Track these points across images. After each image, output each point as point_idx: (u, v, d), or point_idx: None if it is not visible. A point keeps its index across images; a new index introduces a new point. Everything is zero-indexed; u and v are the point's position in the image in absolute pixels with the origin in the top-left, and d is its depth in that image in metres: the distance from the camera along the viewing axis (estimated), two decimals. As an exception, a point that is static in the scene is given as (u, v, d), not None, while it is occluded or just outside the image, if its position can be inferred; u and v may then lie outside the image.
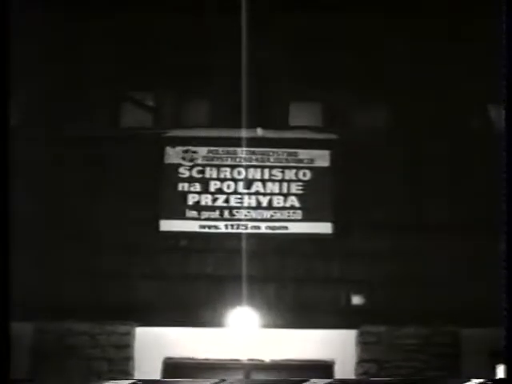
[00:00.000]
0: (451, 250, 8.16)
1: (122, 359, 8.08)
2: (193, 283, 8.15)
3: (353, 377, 8.16)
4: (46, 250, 8.06)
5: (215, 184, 8.65)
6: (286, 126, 9.19)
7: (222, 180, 8.68)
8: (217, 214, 8.52)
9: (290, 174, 8.71)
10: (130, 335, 8.18)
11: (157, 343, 8.23)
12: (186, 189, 8.60)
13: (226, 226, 8.48)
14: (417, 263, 8.23)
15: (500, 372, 8.26)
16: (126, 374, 8.01)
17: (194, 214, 8.51)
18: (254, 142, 8.72)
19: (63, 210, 8.38)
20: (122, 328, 8.19)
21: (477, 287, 7.79)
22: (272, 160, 8.76)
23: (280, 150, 8.78)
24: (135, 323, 8.21)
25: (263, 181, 8.67)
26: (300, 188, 8.64)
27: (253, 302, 7.60)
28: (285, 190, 8.64)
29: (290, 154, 8.78)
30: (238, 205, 8.53)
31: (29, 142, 7.93)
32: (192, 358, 8.26)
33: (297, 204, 8.58)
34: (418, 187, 8.60)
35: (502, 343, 7.93)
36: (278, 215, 8.53)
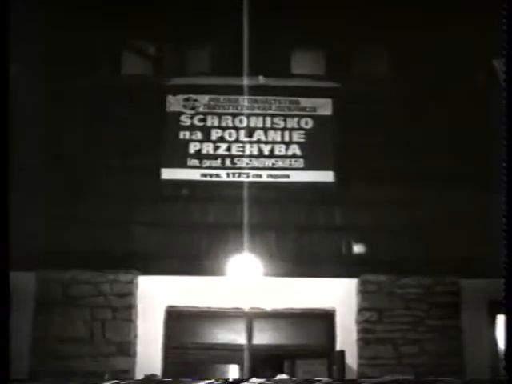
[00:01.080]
0: (452, 201, 8.12)
1: (124, 307, 8.05)
2: (194, 232, 8.12)
3: (353, 325, 8.29)
4: (47, 200, 8.02)
5: (217, 132, 8.53)
6: (288, 74, 8.98)
7: (224, 128, 8.56)
8: (218, 162, 8.40)
9: (292, 123, 8.58)
10: (132, 284, 8.15)
11: (159, 292, 8.24)
12: (187, 137, 8.48)
13: (228, 175, 8.35)
14: (418, 213, 8.20)
15: (500, 322, 8.33)
16: (129, 321, 8.09)
17: (195, 162, 8.39)
18: (255, 90, 8.55)
19: (64, 158, 8.31)
20: (125, 277, 8.15)
21: (477, 238, 7.77)
22: (274, 108, 8.63)
23: (282, 98, 8.64)
24: (138, 272, 8.19)
25: (265, 129, 8.55)
26: (302, 136, 8.51)
27: (254, 250, 7.57)
28: (287, 139, 8.52)
29: (292, 102, 8.64)
30: (240, 153, 8.41)
31: (29, 90, 7.83)
32: (194, 307, 8.24)
33: (299, 152, 8.46)
34: (419, 136, 8.52)
35: (502, 294, 8.02)
36: (279, 164, 8.42)
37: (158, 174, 8.33)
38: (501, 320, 8.39)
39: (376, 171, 8.31)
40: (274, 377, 14.66)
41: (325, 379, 5.65)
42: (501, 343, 8.34)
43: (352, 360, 8.01)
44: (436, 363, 8.02)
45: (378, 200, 8.18)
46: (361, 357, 8.04)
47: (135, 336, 8.12)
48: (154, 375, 7.12)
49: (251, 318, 8.35)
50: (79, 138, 8.39)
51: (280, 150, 8.47)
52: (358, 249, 7.71)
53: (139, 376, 7.76)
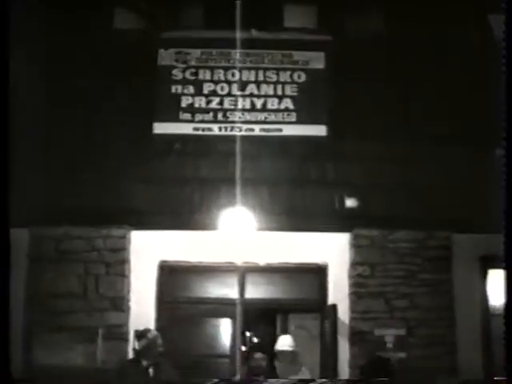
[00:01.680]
0: (447, 158, 8.07)
1: (118, 262, 8.02)
2: (187, 186, 8.05)
3: (346, 279, 8.30)
4: (40, 155, 7.96)
5: (209, 86, 8.40)
6: (280, 28, 8.80)
7: (216, 82, 8.41)
8: (210, 116, 8.28)
9: (284, 76, 8.44)
10: (125, 239, 8.10)
11: (152, 246, 8.19)
12: (179, 91, 8.35)
13: (220, 129, 8.25)
14: (412, 168, 8.16)
15: (491, 277, 8.36)
16: (122, 276, 8.08)
17: (187, 116, 8.28)
18: (248, 44, 8.37)
19: (56, 113, 8.22)
20: (118, 231, 8.10)
21: (470, 194, 7.75)
22: (266, 62, 8.47)
23: (274, 52, 8.49)
24: (130, 227, 8.15)
25: (257, 83, 8.41)
26: (294, 90, 8.38)
27: (247, 204, 7.52)
28: (279, 92, 8.39)
29: (284, 56, 8.49)
30: (232, 107, 8.29)
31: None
32: (187, 261, 8.22)
33: (291, 106, 8.34)
34: (414, 92, 8.43)
35: (495, 249, 8.02)
36: (272, 117, 8.31)
37: (150, 129, 8.28)
38: (492, 274, 8.44)
39: (369, 126, 8.23)
40: (267, 332, 14.78)
41: (319, 380, 5.83)
42: (492, 297, 8.40)
43: (344, 314, 8.00)
44: (428, 317, 8.06)
45: (371, 155, 8.10)
46: (353, 311, 8.02)
47: (128, 291, 8.10)
48: (147, 330, 7.13)
49: (244, 273, 8.32)
50: (71, 92, 8.28)
51: (272, 103, 8.35)
52: (350, 203, 7.66)
53: (132, 330, 7.79)
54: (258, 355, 6.09)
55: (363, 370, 4.80)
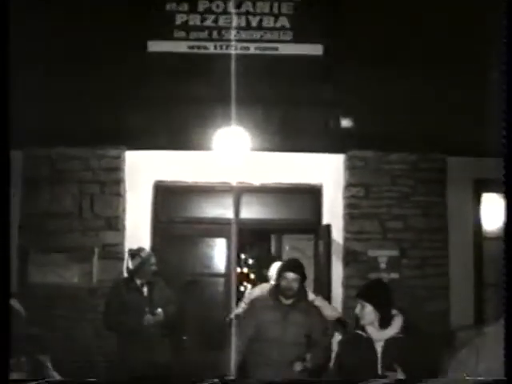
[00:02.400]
0: (444, 80, 7.95)
1: (113, 182, 8.00)
2: (181, 106, 7.97)
3: (340, 200, 8.32)
4: (36, 78, 7.82)
5: (204, 3, 8.15)
6: None
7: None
8: (206, 34, 8.06)
9: (281, -6, 8.25)
10: (120, 159, 8.06)
11: (147, 166, 8.17)
12: (174, 8, 8.13)
13: (215, 47, 8.07)
14: (408, 90, 8.05)
15: (485, 200, 8.39)
16: (118, 195, 8.12)
17: (182, 34, 8.07)
18: (243, -40, 8.18)
19: (51, 40, 8.03)
20: (113, 152, 8.05)
21: (466, 117, 7.67)
22: (263, -22, 8.25)
23: (271, -32, 8.28)
24: (125, 147, 8.10)
25: (253, 0, 8.15)
26: (291, 8, 8.11)
27: (242, 124, 7.46)
28: (276, 10, 8.13)
29: (281, -27, 8.27)
30: (228, 25, 8.09)
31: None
32: (182, 181, 8.21)
33: (287, 24, 8.08)
34: (414, 14, 8.22)
35: (490, 173, 8.01)
36: (268, 36, 8.06)
37: (145, 47, 8.10)
38: (486, 198, 8.47)
39: (366, 46, 8.07)
40: (262, 253, 14.86)
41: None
42: (485, 221, 8.45)
43: (338, 235, 8.04)
44: (421, 239, 8.12)
45: (368, 76, 7.96)
46: (347, 231, 8.04)
47: (124, 210, 8.11)
48: (141, 249, 7.18)
49: (239, 193, 8.28)
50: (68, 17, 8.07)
51: (268, 21, 8.13)
52: (345, 123, 7.60)
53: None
54: (290, 275, 5.76)
55: (361, 292, 4.81)
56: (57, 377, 4.25)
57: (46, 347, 5.13)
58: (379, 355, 4.52)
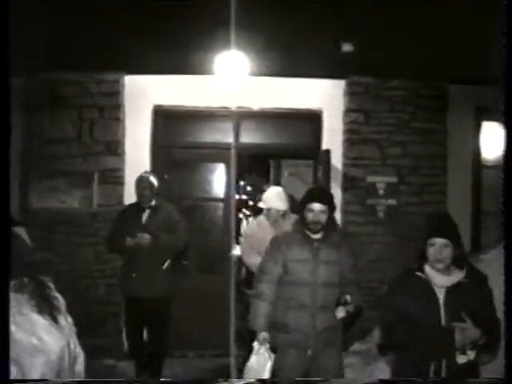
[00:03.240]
0: (444, 7, 7.73)
1: (112, 107, 7.94)
2: (180, 28, 7.72)
3: (340, 126, 8.23)
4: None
5: None
6: None
7: None
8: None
9: None
10: (119, 83, 7.98)
11: (146, 91, 8.07)
12: None
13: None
14: (412, 16, 7.85)
15: (485, 128, 8.36)
16: (117, 120, 8.06)
17: (180, -44, 7.93)
18: None
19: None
20: (112, 76, 7.94)
21: (468, 45, 7.53)
22: None
23: None
24: (124, 71, 7.99)
25: None
26: None
27: (241, 48, 7.33)
28: None
29: None
30: None
31: None
32: (181, 106, 8.13)
33: None
34: None
35: (491, 102, 7.93)
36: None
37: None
38: (486, 126, 8.45)
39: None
40: (261, 180, 14.88)
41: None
42: (484, 149, 8.45)
43: (337, 161, 8.03)
44: (420, 165, 8.12)
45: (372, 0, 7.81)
46: (346, 157, 8.02)
47: (123, 135, 8.07)
48: (146, 172, 7.25)
49: (238, 118, 8.24)
50: None
51: None
52: (346, 49, 7.46)
53: (128, 173, 7.85)
54: (317, 206, 5.01)
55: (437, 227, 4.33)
56: (59, 297, 4.30)
57: (48, 270, 5.20)
58: (441, 302, 3.94)
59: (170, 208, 7.16)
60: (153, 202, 6.95)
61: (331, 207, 5.09)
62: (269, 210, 6.98)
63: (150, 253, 6.74)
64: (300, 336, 5.01)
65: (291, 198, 7.64)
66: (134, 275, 6.81)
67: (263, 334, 5.10)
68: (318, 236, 5.07)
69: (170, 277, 7.09)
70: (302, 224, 5.09)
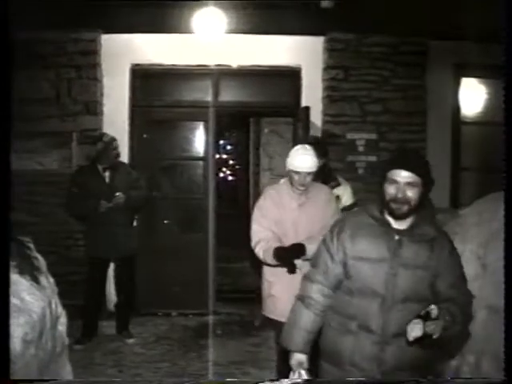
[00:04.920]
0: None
1: (89, 66, 7.81)
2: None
3: (319, 83, 8.20)
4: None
5: None
6: None
7: None
8: None
9: None
10: (96, 42, 7.83)
11: (123, 50, 7.93)
12: None
13: None
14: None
15: (464, 85, 8.34)
16: (95, 80, 7.96)
17: None
18: None
19: None
20: (88, 35, 7.81)
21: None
22: None
23: None
24: (101, 30, 7.87)
25: None
26: None
27: (219, 5, 7.22)
28: None
29: None
30: None
31: None
32: (159, 64, 8.03)
33: None
34: None
35: (470, 57, 7.92)
36: None
37: None
38: (465, 83, 8.45)
39: None
40: (240, 139, 14.83)
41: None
42: (464, 105, 8.46)
43: (317, 117, 7.98)
44: (399, 122, 8.10)
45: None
46: (326, 114, 7.98)
47: (101, 95, 7.97)
48: (102, 133, 7.20)
49: (218, 76, 8.15)
50: None
51: None
52: (325, 4, 7.37)
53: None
54: (406, 175, 3.23)
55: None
56: (39, 258, 4.28)
57: (28, 231, 5.16)
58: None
59: (127, 166, 7.25)
60: (112, 163, 6.93)
61: (426, 180, 3.26)
62: (297, 172, 4.68)
63: (118, 212, 6.77)
64: (357, 374, 3.33)
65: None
66: (100, 236, 6.85)
67: (299, 357, 3.45)
68: (401, 225, 3.33)
69: (138, 234, 7.25)
70: (382, 204, 3.35)
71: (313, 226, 4.65)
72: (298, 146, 4.90)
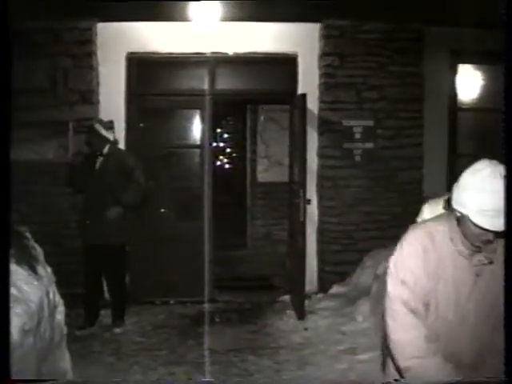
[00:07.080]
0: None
1: (85, 55, 7.77)
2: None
3: (315, 70, 8.16)
4: None
5: None
6: None
7: None
8: None
9: None
10: (91, 31, 7.78)
11: (119, 38, 7.88)
12: None
13: None
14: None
15: (461, 71, 8.31)
16: (91, 69, 7.91)
17: None
18: None
19: None
20: (84, 24, 7.75)
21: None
22: None
23: None
24: (96, 18, 7.83)
25: None
26: None
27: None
28: None
29: None
30: None
31: None
32: (155, 52, 7.98)
33: None
34: None
35: (467, 44, 7.90)
36: None
37: None
38: (462, 69, 8.43)
39: None
40: (237, 127, 14.78)
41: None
42: (460, 92, 8.44)
43: (313, 105, 7.96)
44: (396, 108, 8.09)
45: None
46: (322, 101, 7.98)
47: (97, 84, 7.92)
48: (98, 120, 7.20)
49: (214, 64, 8.10)
50: None
51: None
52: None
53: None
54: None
55: None
56: (37, 247, 4.29)
57: (25, 221, 5.16)
58: None
59: (124, 154, 7.20)
60: (105, 150, 6.91)
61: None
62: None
63: (105, 199, 6.79)
64: None
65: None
66: (87, 222, 6.88)
67: None
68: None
69: (134, 224, 7.24)
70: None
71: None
72: (486, 166, 2.75)
